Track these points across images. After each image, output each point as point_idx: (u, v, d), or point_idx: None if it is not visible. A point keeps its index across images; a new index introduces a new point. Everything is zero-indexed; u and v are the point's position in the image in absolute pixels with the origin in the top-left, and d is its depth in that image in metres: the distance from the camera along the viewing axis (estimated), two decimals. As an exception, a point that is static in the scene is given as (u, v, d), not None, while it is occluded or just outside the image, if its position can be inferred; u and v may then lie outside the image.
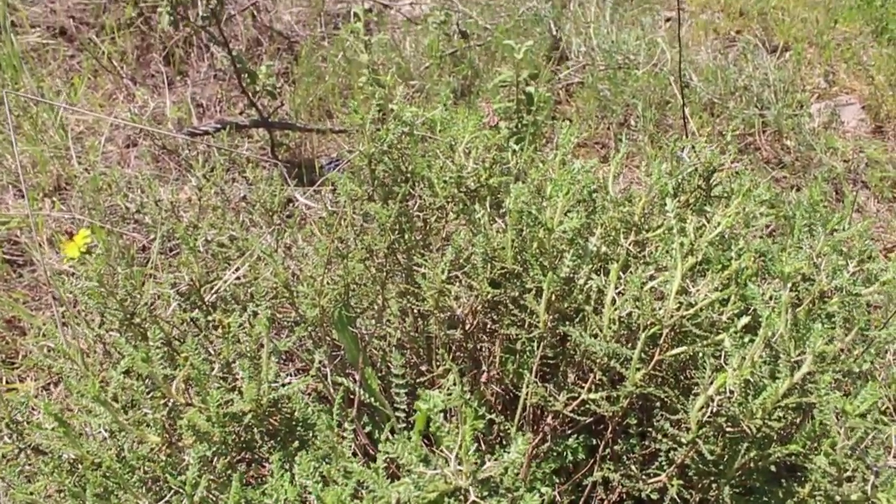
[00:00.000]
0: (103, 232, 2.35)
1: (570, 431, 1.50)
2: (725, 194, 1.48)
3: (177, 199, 2.32)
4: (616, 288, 1.28)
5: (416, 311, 1.67)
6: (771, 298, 1.35)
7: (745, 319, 1.22)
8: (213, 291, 1.42)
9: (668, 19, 3.75)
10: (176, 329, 1.38)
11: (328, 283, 1.49)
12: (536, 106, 2.55)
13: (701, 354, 1.24)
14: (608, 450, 1.42)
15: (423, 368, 1.73)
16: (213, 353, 1.37)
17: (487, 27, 3.59)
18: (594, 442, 1.51)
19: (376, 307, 1.64)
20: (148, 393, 1.12)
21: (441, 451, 0.96)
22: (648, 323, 1.25)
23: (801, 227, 1.39)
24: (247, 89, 2.53)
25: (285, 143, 2.92)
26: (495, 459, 0.95)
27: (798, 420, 1.29)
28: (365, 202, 1.59)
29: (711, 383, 1.16)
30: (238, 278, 1.85)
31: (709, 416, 1.18)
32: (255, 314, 1.28)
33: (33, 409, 1.66)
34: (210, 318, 1.40)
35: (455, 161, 1.50)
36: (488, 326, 1.55)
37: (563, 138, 1.50)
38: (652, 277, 1.32)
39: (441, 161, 1.53)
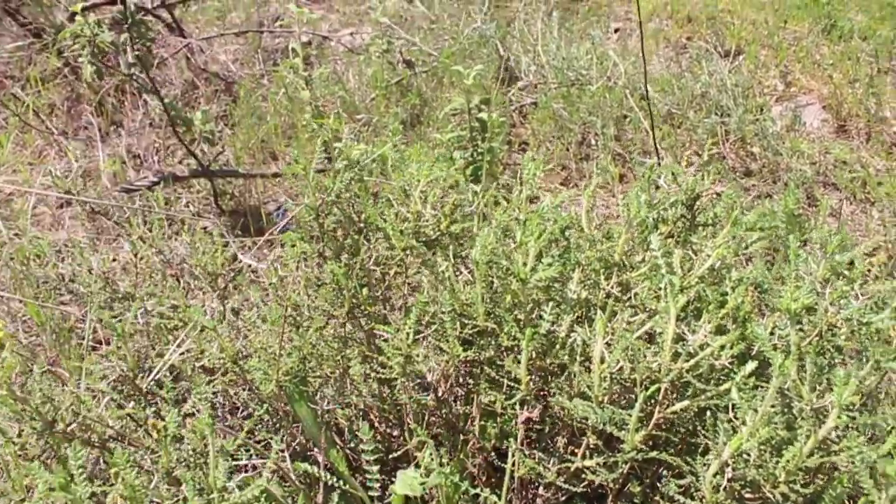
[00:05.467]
0: (35, 307, 2.15)
1: (564, 499, 1.35)
2: (711, 222, 1.35)
3: (110, 267, 2.13)
4: (603, 337, 1.14)
5: (381, 376, 1.51)
6: (772, 334, 1.21)
7: (751, 365, 1.08)
8: (150, 378, 1.25)
9: (616, 30, 3.67)
10: (110, 429, 1.20)
11: (283, 353, 1.33)
12: (491, 133, 2.41)
13: (706, 407, 1.11)
14: (609, 516, 1.28)
15: (395, 434, 1.57)
16: (153, 451, 1.19)
17: (432, 53, 3.46)
18: (593, 509, 1.36)
19: (338, 374, 1.48)
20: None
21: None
22: (644, 378, 1.10)
23: (797, 252, 1.26)
24: (183, 138, 2.36)
25: (229, 192, 2.75)
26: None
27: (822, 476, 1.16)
28: (317, 260, 1.43)
29: (725, 445, 1.02)
30: (182, 353, 1.68)
31: (725, 483, 1.03)
32: (198, 410, 1.11)
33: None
34: (149, 409, 1.23)
35: (411, 209, 1.35)
36: (464, 390, 1.40)
37: (527, 174, 1.36)
38: (641, 323, 1.19)
39: (396, 209, 1.38)
